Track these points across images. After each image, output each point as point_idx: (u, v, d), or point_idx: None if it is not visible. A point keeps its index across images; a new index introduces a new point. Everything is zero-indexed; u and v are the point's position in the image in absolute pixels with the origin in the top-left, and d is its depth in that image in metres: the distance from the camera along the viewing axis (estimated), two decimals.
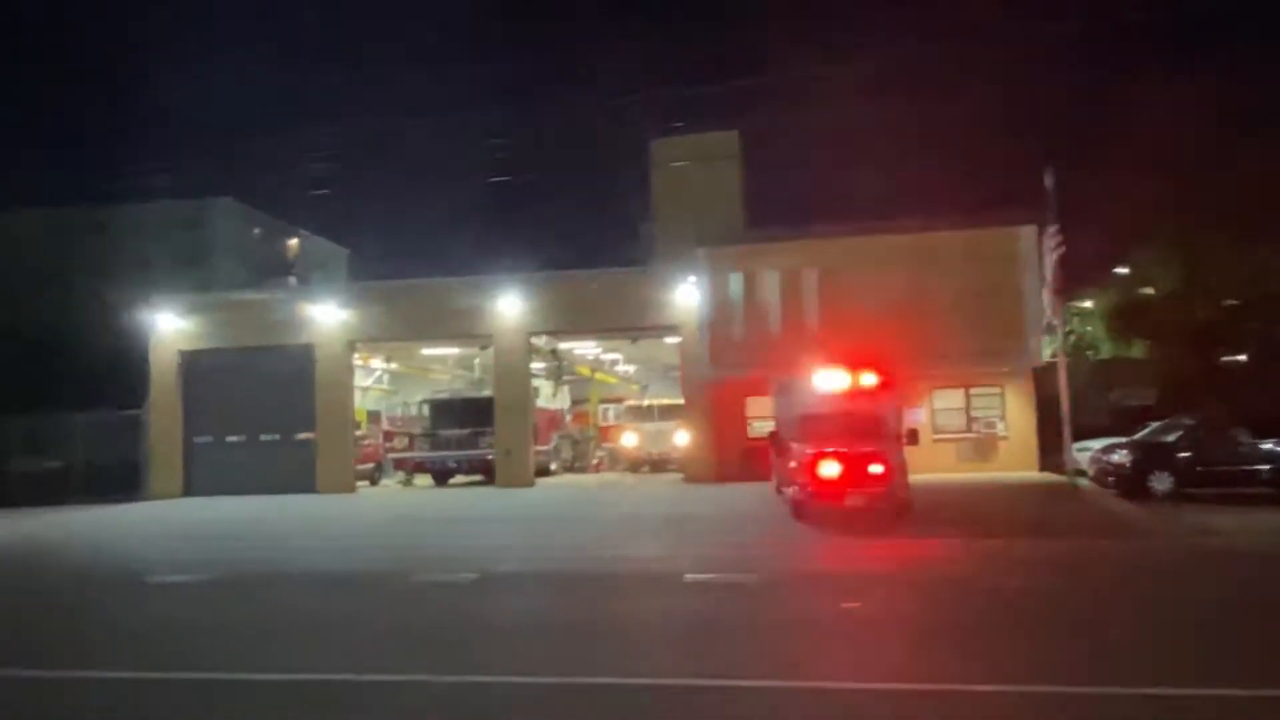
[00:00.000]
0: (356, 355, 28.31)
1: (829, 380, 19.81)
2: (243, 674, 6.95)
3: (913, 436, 17.17)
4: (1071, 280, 21.32)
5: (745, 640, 7.81)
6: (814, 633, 8.00)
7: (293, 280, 59.85)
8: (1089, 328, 37.18)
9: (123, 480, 26.37)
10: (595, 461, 34.76)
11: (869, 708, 5.94)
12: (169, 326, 27.72)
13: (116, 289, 47.16)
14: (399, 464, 29.98)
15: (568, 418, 35.07)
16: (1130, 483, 18.04)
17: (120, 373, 28.48)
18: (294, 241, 69.21)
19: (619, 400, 36.60)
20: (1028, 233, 23.12)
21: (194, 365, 27.68)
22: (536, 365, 29.57)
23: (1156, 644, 7.29)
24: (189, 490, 26.99)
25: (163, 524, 19.92)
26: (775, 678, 6.48)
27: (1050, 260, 20.52)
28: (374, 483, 29.61)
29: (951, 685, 6.20)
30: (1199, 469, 17.59)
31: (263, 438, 27.25)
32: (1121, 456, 18.68)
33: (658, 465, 30.69)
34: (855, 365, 19.25)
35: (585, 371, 35.52)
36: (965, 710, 5.88)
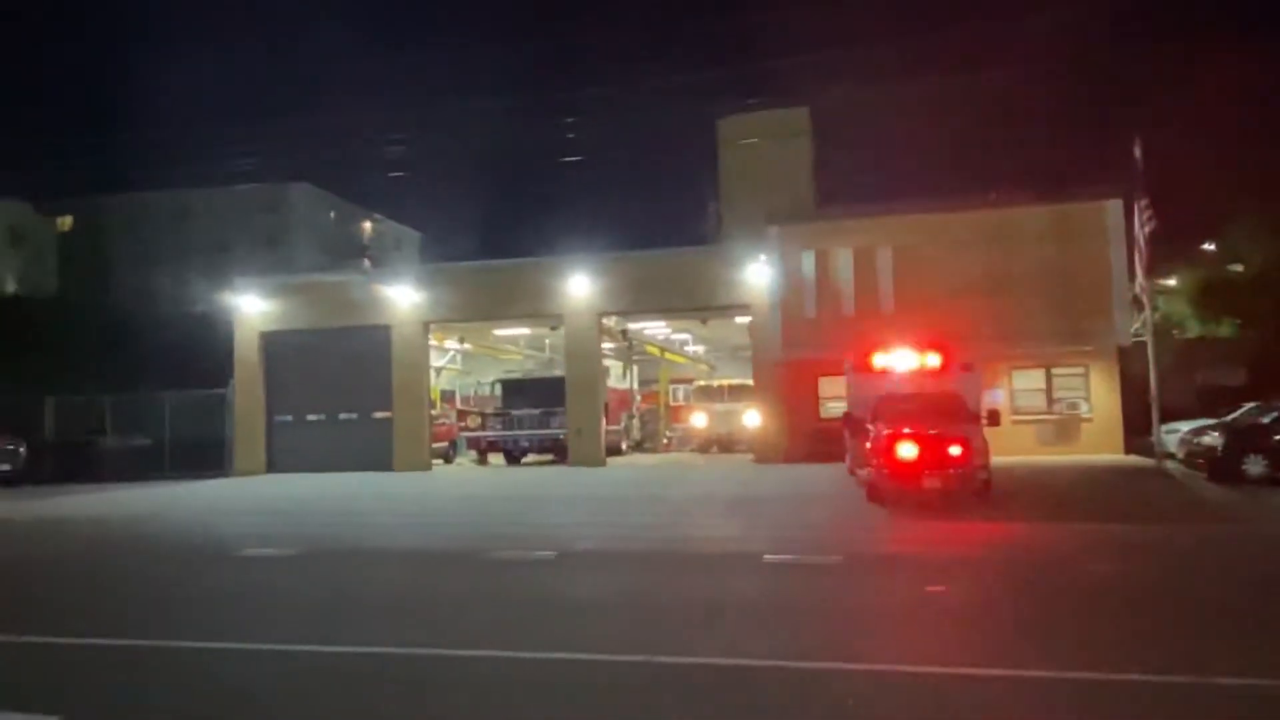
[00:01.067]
0: (431, 335, 28.76)
1: (906, 360, 19.52)
2: (330, 646, 7.10)
3: (994, 417, 16.76)
4: (1156, 256, 20.53)
5: (831, 623, 7.72)
6: (900, 616, 7.88)
7: (367, 263, 60.99)
8: (1174, 306, 35.88)
9: (208, 457, 27.28)
10: (665, 441, 34.85)
11: (959, 694, 5.82)
12: (251, 308, 28.48)
13: (201, 271, 48.82)
14: (472, 443, 30.47)
15: (637, 398, 35.18)
16: (1222, 466, 17.43)
17: (205, 353, 29.41)
18: (368, 224, 70.49)
19: (688, 380, 36.59)
20: (1114, 206, 22.37)
21: (275, 346, 28.43)
22: (607, 345, 29.68)
23: (1252, 633, 7.01)
24: (271, 467, 27.81)
25: (247, 499, 20.53)
26: (863, 661, 6.39)
27: (1140, 235, 19.81)
28: (448, 461, 30.14)
29: (1042, 672, 6.03)
30: None
31: (341, 416, 27.91)
32: (1213, 439, 18.05)
33: (727, 446, 30.63)
34: (932, 345, 18.93)
35: (655, 351, 35.53)
36: (1058, 697, 5.72)
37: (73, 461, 26.59)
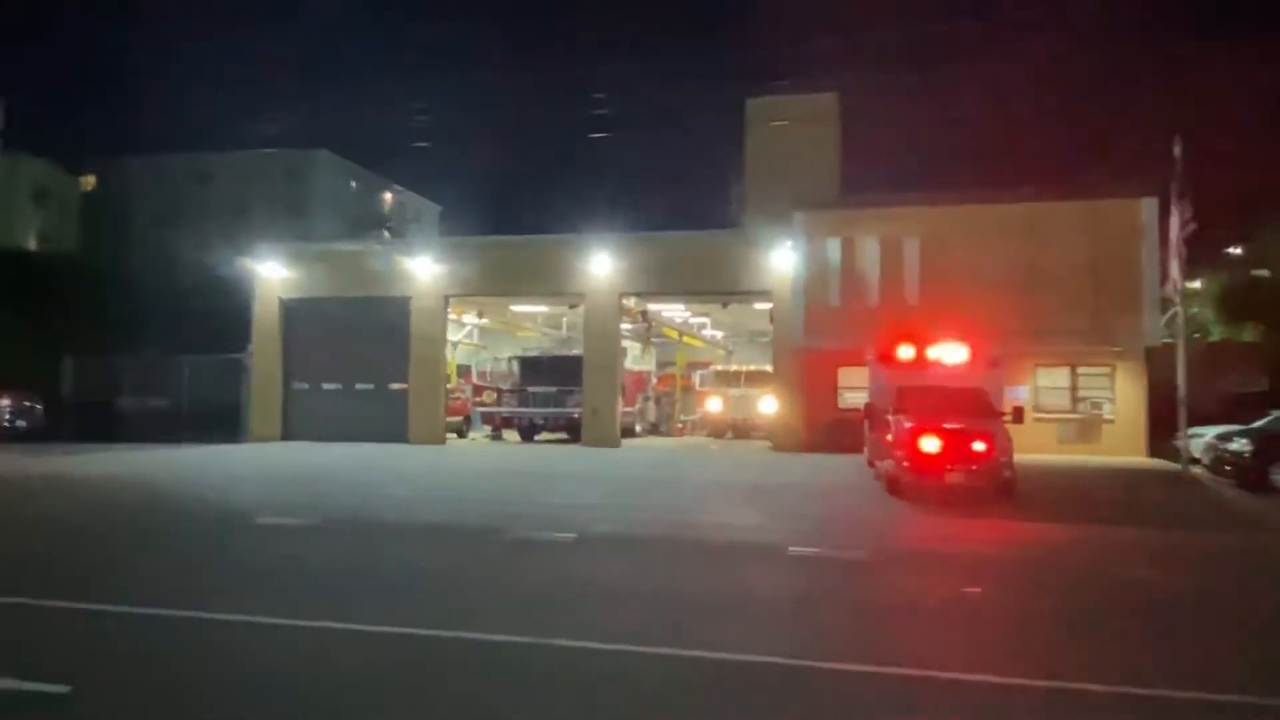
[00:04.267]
0: (450, 309, 28.62)
1: (930, 352, 19.28)
2: (348, 624, 6.96)
3: (1018, 414, 16.54)
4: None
5: (863, 622, 7.55)
6: (938, 618, 7.67)
7: (387, 234, 60.92)
8: (1197, 309, 35.47)
9: (224, 422, 27.29)
10: (679, 425, 34.69)
11: (1004, 702, 5.65)
12: (272, 274, 28.40)
13: (221, 235, 48.84)
14: (487, 418, 30.40)
15: (654, 380, 35.02)
16: (1249, 473, 17.12)
17: (224, 317, 29.36)
18: (389, 195, 70.30)
19: (706, 364, 36.38)
20: (1149, 205, 22.00)
21: (294, 313, 28.37)
22: (625, 326, 29.49)
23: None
24: (286, 434, 27.80)
25: (262, 466, 20.49)
26: (904, 665, 6.18)
27: (1177, 236, 19.44)
28: (462, 435, 30.08)
29: (1089, 685, 5.84)
30: None
31: (357, 386, 27.86)
32: (1240, 445, 17.73)
33: (742, 432, 30.47)
34: (958, 338, 18.68)
35: (673, 334, 35.33)
36: (1099, 711, 5.55)
37: (89, 421, 26.64)
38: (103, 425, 26.41)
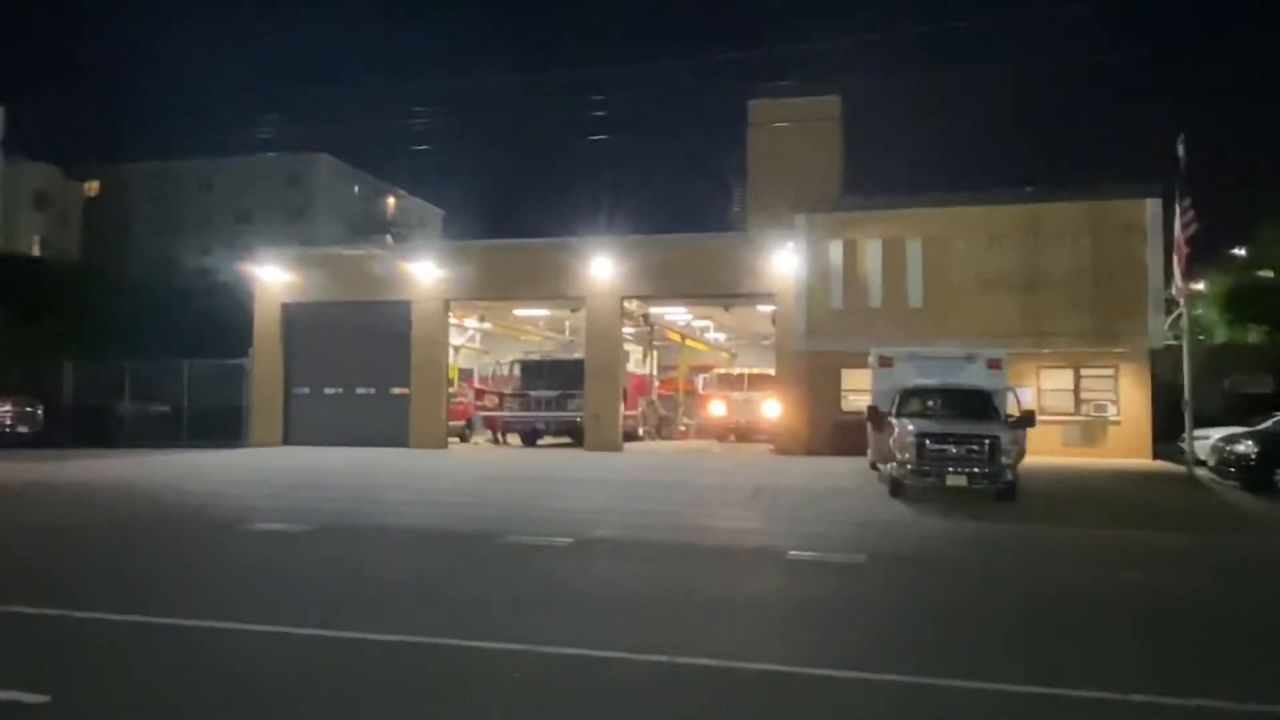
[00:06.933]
0: (451, 313, 28.56)
1: (933, 354, 19.19)
2: (344, 631, 6.85)
3: (1029, 418, 16.41)
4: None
5: (859, 628, 7.41)
6: (934, 624, 7.53)
7: (389, 238, 60.92)
8: (1201, 311, 35.34)
9: (226, 426, 27.25)
10: (682, 429, 34.58)
11: (992, 713, 5.53)
12: (273, 278, 28.36)
13: (223, 241, 48.93)
14: (489, 423, 30.30)
15: (656, 383, 34.93)
16: (1255, 475, 16.99)
17: (226, 322, 29.34)
18: (392, 200, 70.35)
19: (708, 368, 36.27)
20: (1153, 205, 21.88)
21: (295, 317, 28.32)
22: (627, 329, 29.39)
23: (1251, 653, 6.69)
24: (287, 439, 27.75)
25: (262, 471, 20.40)
26: (897, 671, 6.07)
27: (1181, 236, 19.31)
28: (464, 440, 30.00)
29: (1081, 692, 5.72)
30: None
31: (359, 391, 27.81)
32: (1246, 447, 17.57)
33: (745, 435, 30.35)
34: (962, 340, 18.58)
35: (675, 337, 35.23)
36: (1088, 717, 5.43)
37: (90, 426, 26.61)
38: (103, 430, 26.40)
